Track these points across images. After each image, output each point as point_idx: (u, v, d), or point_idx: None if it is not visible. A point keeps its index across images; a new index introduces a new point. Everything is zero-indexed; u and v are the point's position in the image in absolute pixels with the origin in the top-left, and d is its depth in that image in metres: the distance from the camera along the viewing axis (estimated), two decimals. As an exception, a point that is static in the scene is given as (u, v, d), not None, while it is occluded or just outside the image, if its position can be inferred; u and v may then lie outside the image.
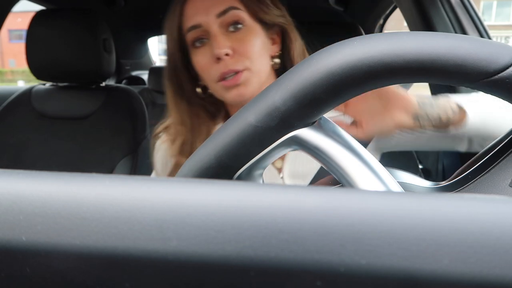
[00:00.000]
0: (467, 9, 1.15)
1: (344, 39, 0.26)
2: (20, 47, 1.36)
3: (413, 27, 1.22)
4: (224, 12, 0.66)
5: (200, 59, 0.69)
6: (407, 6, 1.21)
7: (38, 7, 1.51)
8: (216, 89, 0.69)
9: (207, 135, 0.72)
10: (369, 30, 1.96)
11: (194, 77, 0.73)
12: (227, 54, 0.65)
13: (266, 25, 0.71)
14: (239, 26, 0.68)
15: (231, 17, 0.67)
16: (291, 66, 0.26)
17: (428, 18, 1.12)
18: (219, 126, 0.76)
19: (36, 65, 1.23)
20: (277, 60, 0.74)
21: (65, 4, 1.63)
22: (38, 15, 1.22)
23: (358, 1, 1.83)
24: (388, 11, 1.95)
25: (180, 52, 0.71)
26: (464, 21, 1.13)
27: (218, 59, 0.65)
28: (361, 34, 1.33)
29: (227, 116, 0.79)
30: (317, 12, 1.95)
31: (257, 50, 0.68)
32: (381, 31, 2.23)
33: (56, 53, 1.21)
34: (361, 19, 1.87)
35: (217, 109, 0.77)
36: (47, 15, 1.25)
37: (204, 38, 0.68)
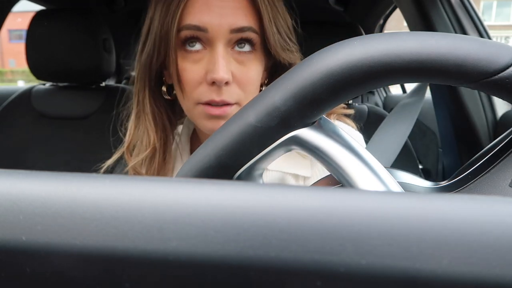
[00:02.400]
0: (467, 9, 1.15)
1: (344, 39, 0.26)
2: (20, 47, 1.37)
3: (413, 27, 1.22)
4: (240, 30, 0.53)
5: (189, 69, 0.54)
6: (407, 6, 1.21)
7: (38, 7, 1.51)
8: (190, 109, 0.57)
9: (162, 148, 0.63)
10: (369, 30, 1.96)
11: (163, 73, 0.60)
12: (226, 82, 0.53)
13: (270, 55, 0.59)
14: (249, 49, 0.55)
15: (245, 35, 0.54)
16: None
17: (428, 18, 1.12)
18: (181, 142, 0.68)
19: (36, 65, 1.23)
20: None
21: (65, 4, 1.63)
22: (38, 15, 1.22)
23: (358, 1, 1.83)
24: (388, 11, 1.95)
25: (172, 48, 0.55)
26: (464, 21, 1.13)
27: (213, 83, 0.53)
28: (361, 34, 1.33)
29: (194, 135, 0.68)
30: (317, 12, 1.95)
31: (256, 83, 0.57)
32: (381, 31, 2.23)
33: (56, 53, 1.21)
34: (361, 19, 1.87)
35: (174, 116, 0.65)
36: (47, 15, 1.25)
37: (201, 42, 0.54)
